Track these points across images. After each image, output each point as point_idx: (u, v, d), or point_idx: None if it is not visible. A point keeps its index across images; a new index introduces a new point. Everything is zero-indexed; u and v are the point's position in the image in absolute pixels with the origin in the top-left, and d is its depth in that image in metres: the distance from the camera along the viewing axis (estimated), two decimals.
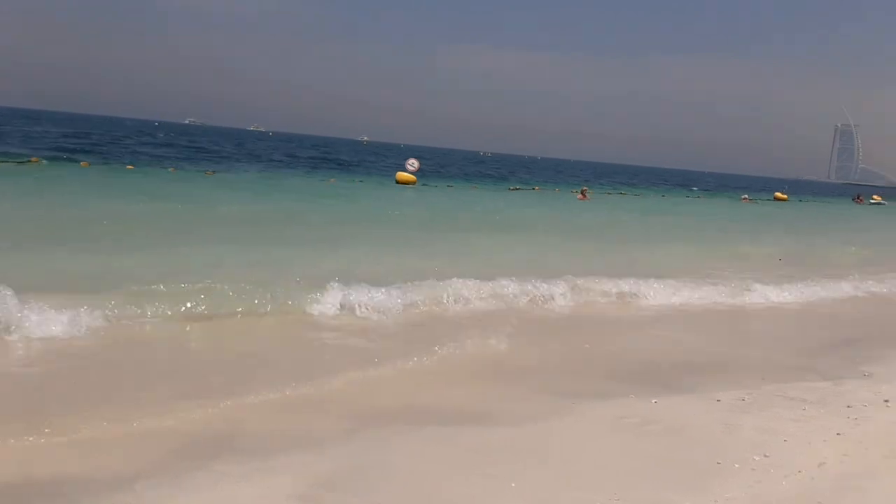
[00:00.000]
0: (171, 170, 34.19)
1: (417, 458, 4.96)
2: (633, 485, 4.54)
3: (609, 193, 50.20)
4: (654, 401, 6.29)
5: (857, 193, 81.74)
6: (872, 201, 72.88)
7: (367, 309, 8.90)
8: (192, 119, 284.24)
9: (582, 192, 40.46)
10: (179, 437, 5.08)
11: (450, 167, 72.48)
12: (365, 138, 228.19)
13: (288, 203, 23.29)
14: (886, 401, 6.36)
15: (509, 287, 10.24)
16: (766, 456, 5.00)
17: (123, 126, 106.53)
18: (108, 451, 4.77)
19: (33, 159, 30.64)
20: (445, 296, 9.74)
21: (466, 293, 9.86)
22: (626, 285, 11.35)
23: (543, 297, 10.35)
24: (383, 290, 9.21)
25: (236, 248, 12.43)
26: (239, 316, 8.18)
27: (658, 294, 11.37)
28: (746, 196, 60.94)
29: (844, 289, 13.40)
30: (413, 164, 40.77)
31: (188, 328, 7.72)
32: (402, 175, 39.84)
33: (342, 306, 8.88)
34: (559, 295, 10.46)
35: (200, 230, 14.88)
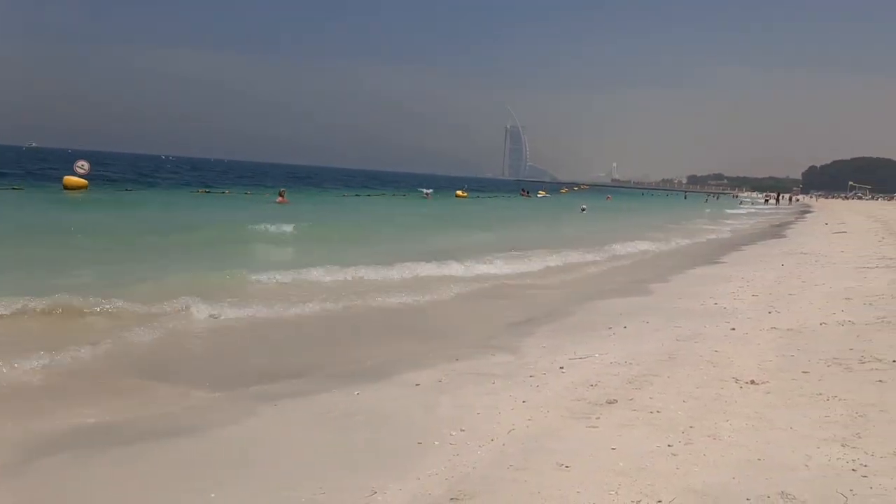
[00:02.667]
0: None
1: (101, 486, 4.42)
2: (338, 476, 4.47)
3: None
4: (356, 392, 6.30)
5: (522, 188, 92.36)
6: (539, 195, 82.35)
7: None
8: None
9: (280, 195, 40.19)
10: None
11: (132, 170, 68.66)
12: (32, 143, 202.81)
13: None
14: (561, 367, 7.02)
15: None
16: (462, 430, 5.22)
17: None
18: None
19: None
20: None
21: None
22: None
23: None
24: None
25: None
26: None
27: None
28: (429, 192, 65.31)
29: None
30: (83, 166, 37.68)
31: None
32: (70, 179, 37.05)
33: None
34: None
35: None
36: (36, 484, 4.45)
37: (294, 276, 12.58)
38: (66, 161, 48.94)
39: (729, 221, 44.98)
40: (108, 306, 9.14)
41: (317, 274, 12.84)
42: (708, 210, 63.91)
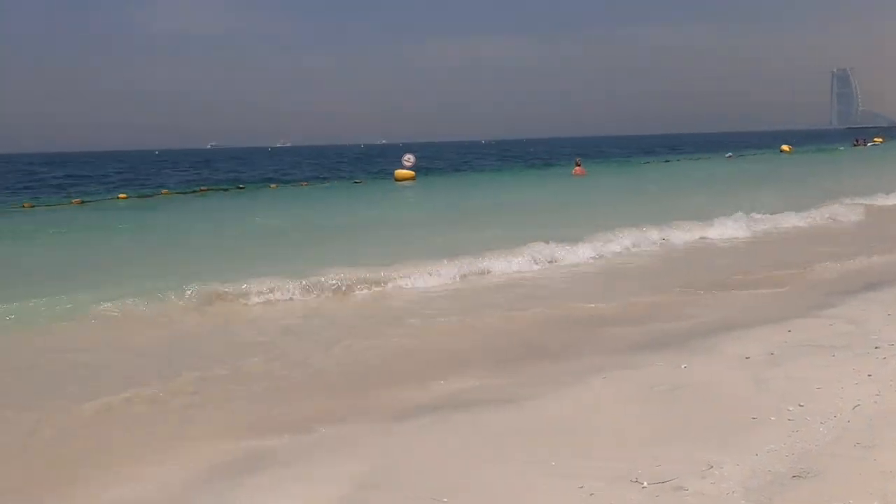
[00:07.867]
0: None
1: (448, 449, 4.96)
2: (671, 449, 4.53)
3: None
4: (683, 366, 6.30)
5: (857, 137, 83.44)
6: (872, 143, 74.38)
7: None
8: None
9: (577, 164, 41.28)
10: (219, 454, 5.14)
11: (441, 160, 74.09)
12: (382, 140, 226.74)
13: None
14: None
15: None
16: (800, 405, 5.00)
17: None
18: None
19: None
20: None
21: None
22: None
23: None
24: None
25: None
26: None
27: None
28: (730, 155, 64.13)
29: None
30: (409, 159, 41.46)
31: None
32: (400, 172, 40.98)
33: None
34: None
35: None
36: (389, 449, 5.08)
37: None
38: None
39: None
40: None
41: None
42: None
